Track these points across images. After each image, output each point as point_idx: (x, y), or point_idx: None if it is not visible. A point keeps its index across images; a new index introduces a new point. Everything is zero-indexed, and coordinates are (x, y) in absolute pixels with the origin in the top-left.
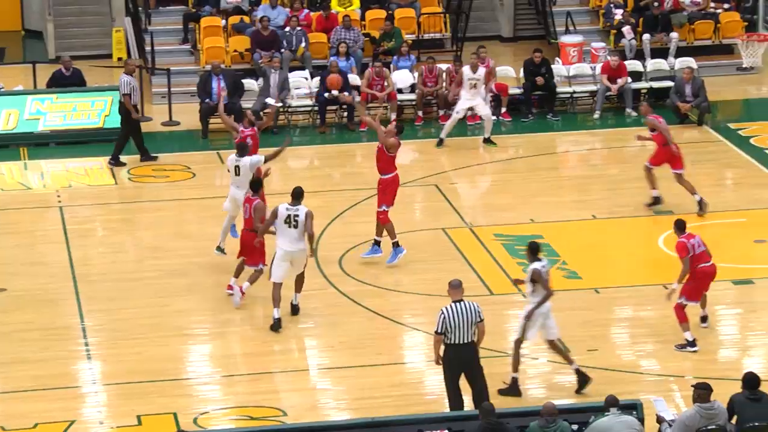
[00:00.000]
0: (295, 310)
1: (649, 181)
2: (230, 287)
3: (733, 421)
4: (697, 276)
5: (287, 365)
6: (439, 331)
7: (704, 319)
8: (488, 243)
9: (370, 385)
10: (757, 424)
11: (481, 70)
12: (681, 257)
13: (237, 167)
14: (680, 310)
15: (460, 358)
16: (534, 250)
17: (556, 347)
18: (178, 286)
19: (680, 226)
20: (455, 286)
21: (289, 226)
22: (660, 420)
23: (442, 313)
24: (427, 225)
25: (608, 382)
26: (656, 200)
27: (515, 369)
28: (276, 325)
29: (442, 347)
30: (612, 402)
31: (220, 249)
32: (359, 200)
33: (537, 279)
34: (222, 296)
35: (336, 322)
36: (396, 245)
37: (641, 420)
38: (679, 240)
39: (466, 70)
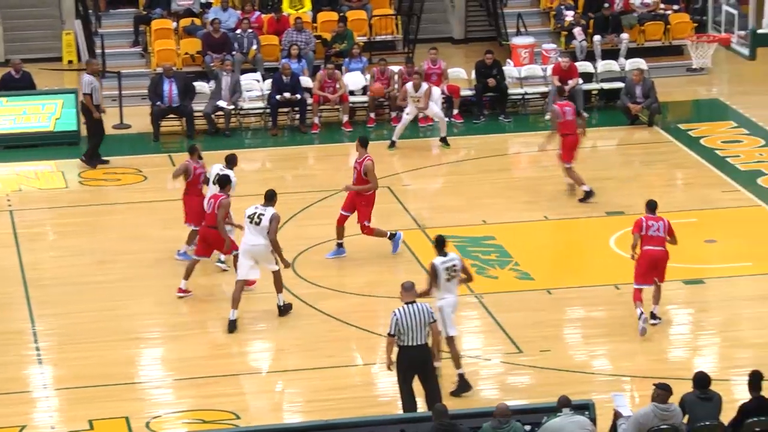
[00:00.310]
0: (280, 311)
1: (573, 178)
2: (180, 290)
3: (685, 420)
4: (644, 256)
5: (240, 368)
6: (391, 333)
7: (653, 316)
8: None
9: (323, 388)
10: (708, 423)
11: (423, 88)
12: (633, 232)
13: (217, 175)
14: (638, 293)
15: (413, 360)
16: (439, 244)
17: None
18: (130, 289)
19: (651, 207)
20: (408, 288)
21: (251, 223)
22: (617, 415)
23: (395, 315)
24: (380, 227)
25: (560, 383)
26: (588, 194)
27: (458, 366)
28: (231, 327)
29: (396, 349)
30: (564, 402)
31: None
32: (311, 203)
33: (430, 273)
34: (174, 299)
35: (289, 324)
36: (340, 245)
37: (593, 420)
38: (639, 218)
39: (409, 87)
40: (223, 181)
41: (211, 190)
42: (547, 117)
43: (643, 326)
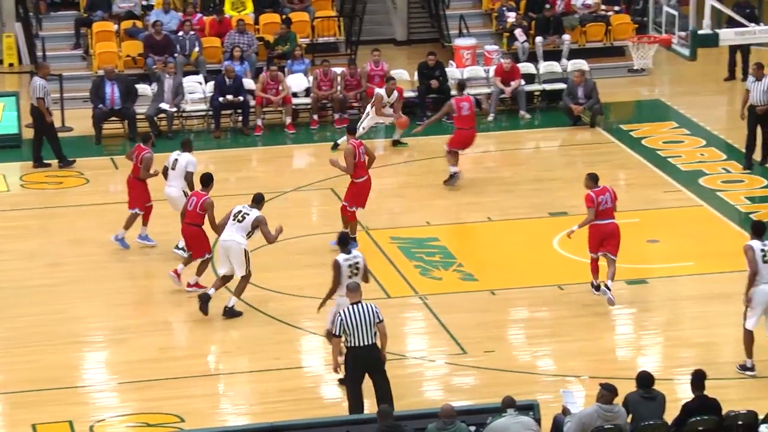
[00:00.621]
0: (226, 312)
1: (449, 159)
2: (190, 285)
3: (629, 419)
4: (592, 230)
5: (185, 371)
6: (336, 333)
7: (605, 287)
8: (385, 246)
9: (269, 390)
10: (651, 422)
11: (395, 95)
12: (587, 207)
13: (175, 160)
14: (595, 263)
15: (361, 360)
16: (343, 242)
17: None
18: (73, 293)
19: (594, 179)
20: (353, 289)
21: (234, 219)
22: (565, 412)
23: (340, 315)
24: (324, 229)
25: (505, 383)
26: (453, 176)
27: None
28: (203, 301)
29: (344, 350)
30: (509, 403)
31: (179, 248)
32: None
33: (333, 270)
34: (118, 302)
35: (234, 326)
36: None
37: (538, 420)
38: (588, 192)
39: (382, 92)
40: (207, 180)
41: (170, 177)
42: (490, 118)
43: (610, 297)
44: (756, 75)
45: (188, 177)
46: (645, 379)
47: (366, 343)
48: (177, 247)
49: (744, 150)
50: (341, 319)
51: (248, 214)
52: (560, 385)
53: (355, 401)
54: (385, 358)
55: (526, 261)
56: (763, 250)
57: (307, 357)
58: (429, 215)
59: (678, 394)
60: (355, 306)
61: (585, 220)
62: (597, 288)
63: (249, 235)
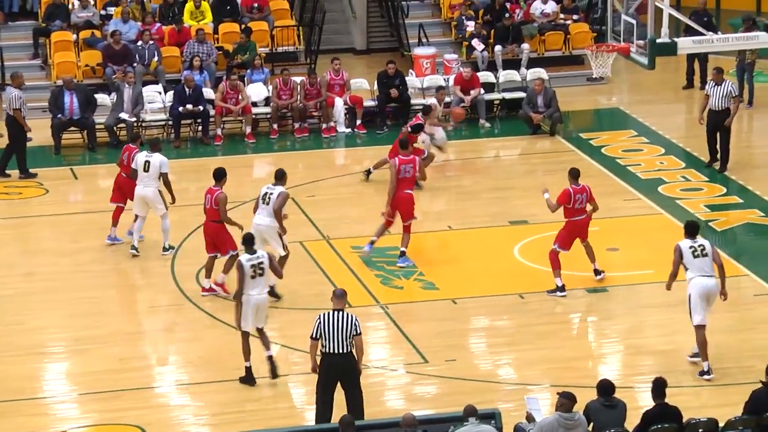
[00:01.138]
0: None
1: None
2: (204, 289)
3: (590, 428)
4: (569, 226)
5: (146, 381)
6: (313, 336)
7: (596, 272)
8: (345, 255)
9: (230, 400)
10: (612, 430)
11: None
12: (558, 202)
13: (147, 162)
14: (554, 256)
15: (333, 368)
16: (248, 243)
17: (262, 335)
18: (33, 303)
19: (575, 175)
20: (338, 296)
21: (263, 202)
22: (530, 418)
23: (319, 317)
24: (285, 238)
25: (466, 392)
26: (368, 172)
27: (246, 358)
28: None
29: (319, 355)
30: (470, 412)
31: (134, 248)
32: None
33: (237, 269)
34: (79, 313)
35: (194, 337)
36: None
37: (499, 429)
38: (566, 188)
39: (435, 102)
40: (219, 174)
41: (143, 177)
42: (450, 127)
43: (602, 276)
44: (716, 80)
45: (165, 178)
46: (606, 388)
47: (341, 351)
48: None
49: (707, 154)
50: (319, 323)
51: (273, 193)
52: (521, 393)
53: (323, 408)
54: (360, 371)
55: (487, 270)
56: (692, 247)
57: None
58: None
59: (639, 402)
60: (335, 312)
61: (549, 201)
62: (596, 272)
63: None
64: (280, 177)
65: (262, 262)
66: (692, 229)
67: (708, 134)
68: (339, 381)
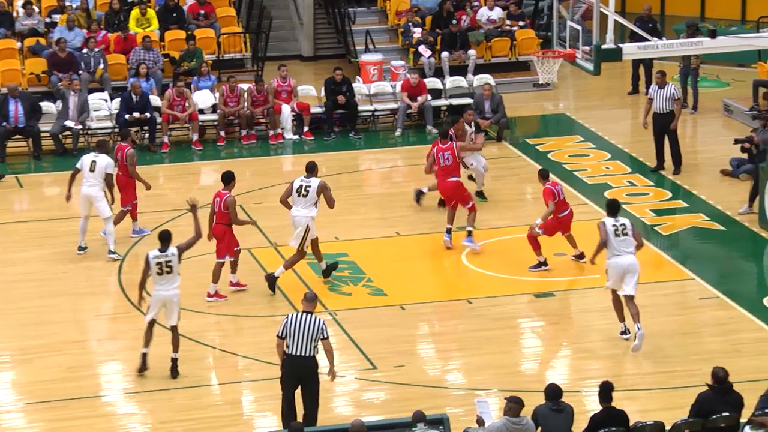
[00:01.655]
0: (326, 271)
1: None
2: (209, 295)
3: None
4: (557, 221)
5: (92, 390)
6: (279, 334)
7: (579, 257)
8: None
9: (178, 408)
10: None
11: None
12: (548, 201)
13: (93, 162)
14: (533, 239)
15: (295, 370)
16: (162, 239)
17: (173, 335)
18: None
19: (544, 175)
20: (308, 299)
21: (299, 195)
22: (480, 422)
23: (286, 318)
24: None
25: (415, 398)
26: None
27: (145, 344)
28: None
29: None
30: (419, 417)
31: (81, 248)
32: (162, 222)
33: (143, 265)
34: (25, 322)
35: (141, 345)
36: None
37: None
38: (546, 186)
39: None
40: (228, 178)
41: (88, 177)
42: (397, 134)
43: (549, 267)
44: (659, 83)
45: (109, 179)
46: (553, 392)
47: (302, 354)
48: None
49: (653, 159)
50: (285, 322)
51: (310, 185)
52: (470, 398)
53: (288, 408)
54: (335, 374)
55: (435, 275)
56: (614, 226)
57: (217, 374)
58: (338, 231)
59: (586, 406)
60: (303, 315)
61: (546, 213)
62: (545, 262)
63: (316, 203)
64: (311, 169)
65: (170, 261)
66: (613, 207)
67: (655, 138)
68: (299, 384)
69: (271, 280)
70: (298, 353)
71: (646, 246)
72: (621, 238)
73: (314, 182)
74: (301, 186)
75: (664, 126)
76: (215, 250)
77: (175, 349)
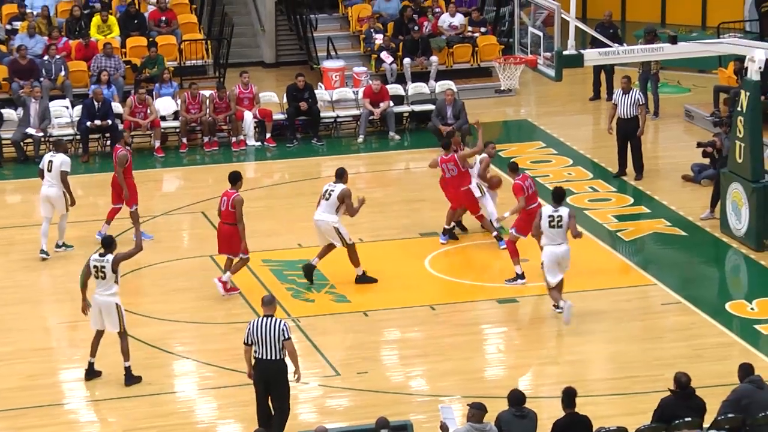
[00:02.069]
0: (359, 278)
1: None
2: (226, 289)
3: None
4: (526, 214)
5: (53, 398)
6: (245, 341)
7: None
8: (257, 269)
9: (141, 416)
10: None
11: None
12: (518, 196)
13: (50, 162)
14: (512, 245)
15: (263, 374)
16: (104, 245)
17: (99, 337)
18: None
19: (514, 168)
20: (266, 303)
21: (324, 199)
22: (444, 428)
23: (249, 324)
24: (195, 252)
25: (379, 404)
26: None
27: (92, 354)
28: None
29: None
30: (383, 424)
31: (44, 252)
32: (125, 229)
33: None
34: None
35: (104, 353)
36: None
37: None
38: (515, 181)
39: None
40: (235, 178)
41: (47, 177)
42: (359, 140)
43: (525, 281)
44: (624, 88)
45: (63, 176)
46: (516, 398)
47: (268, 357)
48: (57, 246)
49: (615, 164)
50: (249, 329)
51: (333, 190)
52: (433, 405)
53: (262, 412)
54: (299, 378)
55: (398, 282)
56: (551, 216)
57: (180, 381)
58: (300, 237)
59: (549, 411)
60: (265, 319)
61: (516, 208)
62: (522, 276)
63: (338, 209)
64: (340, 175)
65: (104, 266)
66: (557, 196)
67: (618, 144)
68: (267, 386)
69: (360, 279)
70: (266, 357)
71: (609, 252)
72: (555, 230)
73: (338, 188)
74: (326, 190)
75: (628, 131)
76: (218, 247)
77: (126, 357)
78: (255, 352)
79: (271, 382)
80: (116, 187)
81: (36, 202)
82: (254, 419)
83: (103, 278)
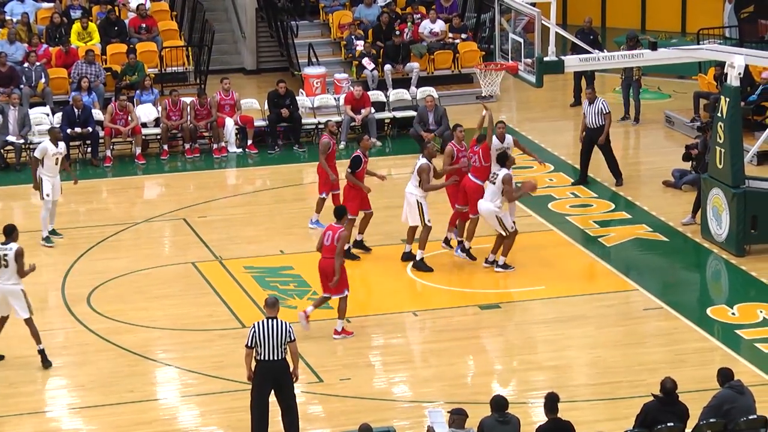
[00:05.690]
0: (416, 264)
1: None
2: (336, 332)
3: None
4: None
5: (36, 406)
6: (248, 344)
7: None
8: (239, 275)
9: (123, 423)
10: None
11: (509, 139)
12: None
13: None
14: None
15: (269, 374)
16: (5, 233)
17: (31, 325)
18: None
19: (480, 140)
20: (270, 304)
21: (412, 173)
22: None
23: (253, 327)
24: (177, 259)
25: (362, 411)
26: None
27: (38, 341)
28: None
29: (254, 362)
30: (365, 430)
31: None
32: (106, 236)
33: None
34: None
35: (86, 360)
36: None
37: None
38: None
39: (495, 141)
40: (340, 213)
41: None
42: (341, 146)
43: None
44: (589, 98)
45: (34, 159)
46: (499, 404)
47: (275, 358)
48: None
49: (596, 171)
50: (253, 332)
51: (416, 164)
52: (417, 411)
53: (259, 416)
54: (297, 378)
55: (381, 288)
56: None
57: (162, 388)
58: (282, 244)
59: (532, 417)
60: (269, 320)
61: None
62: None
63: (420, 182)
64: (422, 150)
65: (6, 254)
66: (501, 160)
67: (582, 151)
68: (274, 387)
69: (417, 265)
70: (272, 358)
71: (590, 257)
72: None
73: (419, 162)
74: (415, 164)
75: (593, 140)
76: (322, 286)
77: (37, 341)
78: (258, 354)
79: (280, 379)
80: (322, 174)
81: (18, 208)
82: (237, 426)
83: (6, 266)
